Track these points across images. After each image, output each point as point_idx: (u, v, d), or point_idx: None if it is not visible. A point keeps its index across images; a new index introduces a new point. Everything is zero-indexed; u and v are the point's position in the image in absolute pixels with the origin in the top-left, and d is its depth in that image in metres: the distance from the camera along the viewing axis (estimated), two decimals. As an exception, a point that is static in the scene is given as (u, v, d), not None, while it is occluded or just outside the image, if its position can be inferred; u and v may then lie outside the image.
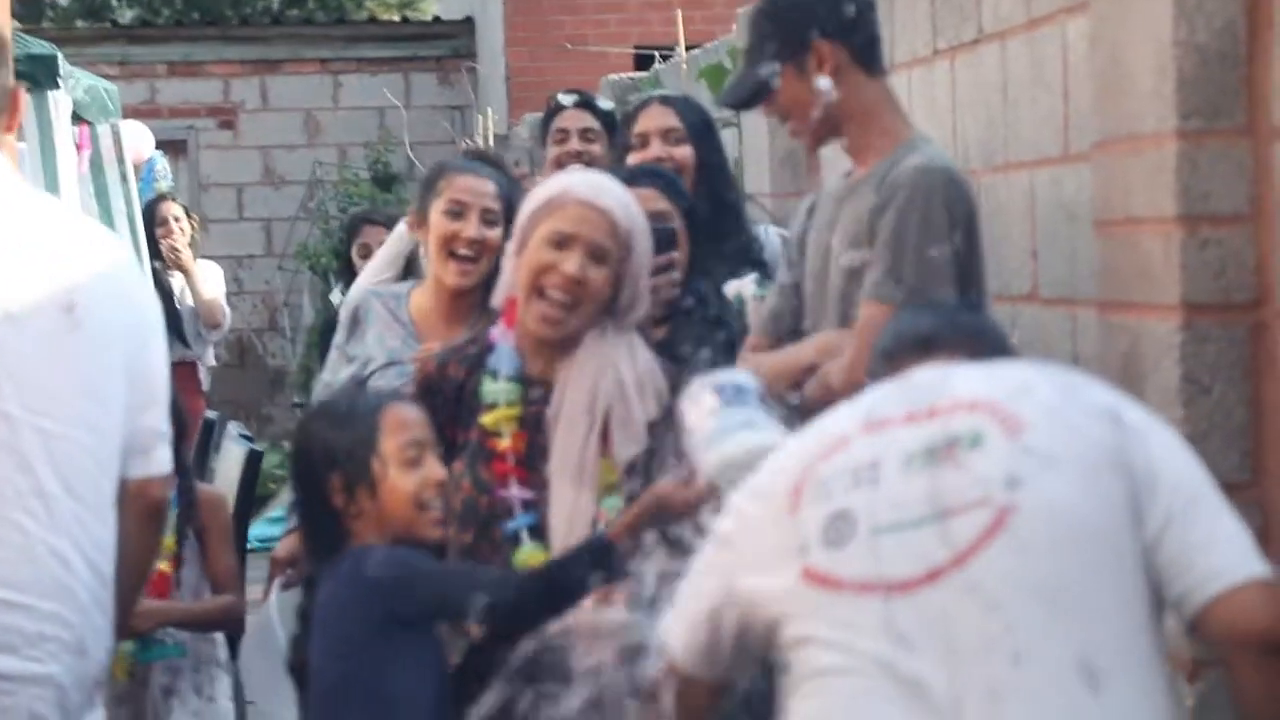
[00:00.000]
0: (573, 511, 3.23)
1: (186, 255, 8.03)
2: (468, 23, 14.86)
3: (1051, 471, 2.20)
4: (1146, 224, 2.92)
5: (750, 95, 3.37)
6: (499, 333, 3.37)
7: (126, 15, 17.68)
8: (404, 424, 3.13)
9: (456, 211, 4.04)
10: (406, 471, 3.09)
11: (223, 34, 14.34)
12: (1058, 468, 2.20)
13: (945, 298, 3.14)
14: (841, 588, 2.18)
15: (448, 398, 3.35)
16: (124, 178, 6.71)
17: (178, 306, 8.05)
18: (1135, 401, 2.94)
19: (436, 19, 15.81)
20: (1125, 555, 2.18)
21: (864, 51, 3.32)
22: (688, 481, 2.95)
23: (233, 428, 5.96)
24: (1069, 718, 2.09)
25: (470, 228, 4.03)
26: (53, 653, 2.89)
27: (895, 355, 2.54)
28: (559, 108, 5.17)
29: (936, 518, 2.18)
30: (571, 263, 3.22)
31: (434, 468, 3.12)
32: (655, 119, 4.21)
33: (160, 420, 3.04)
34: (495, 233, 4.01)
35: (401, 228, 4.99)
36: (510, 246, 3.38)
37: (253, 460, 5.04)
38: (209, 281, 8.18)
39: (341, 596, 3.05)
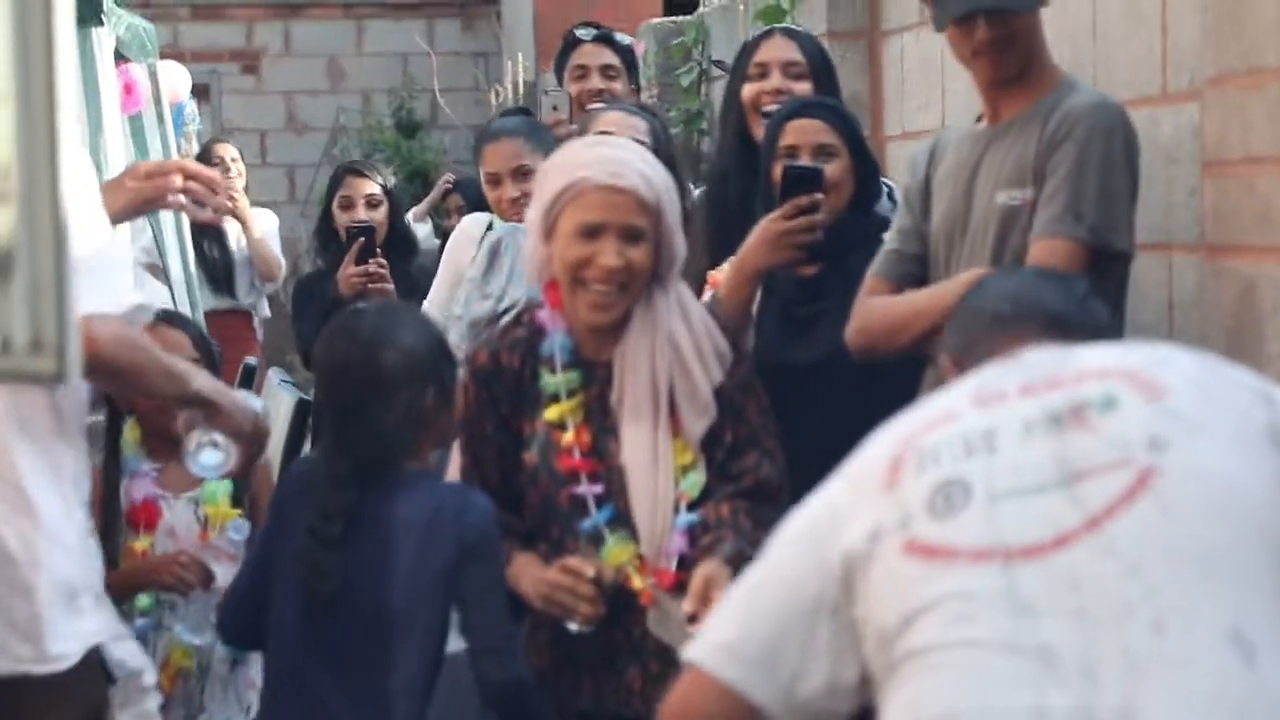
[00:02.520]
0: (654, 502, 3.14)
1: (244, 203, 7.81)
2: (492, -32, 14.70)
3: (1201, 437, 2.00)
4: (1267, 163, 2.80)
5: (1032, 1, 3.16)
6: (547, 316, 3.25)
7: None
8: None
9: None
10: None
11: (245, -22, 14.18)
12: (1208, 434, 2.00)
13: (1124, 241, 3.06)
14: (954, 557, 1.97)
15: (508, 388, 3.24)
16: (160, 118, 6.60)
17: (232, 254, 7.86)
18: (1252, 349, 2.83)
19: (460, -36, 15.64)
20: (1277, 538, 1.98)
21: None
22: None
23: (274, 374, 5.83)
24: (1221, 688, 1.87)
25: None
26: None
27: (1011, 322, 2.33)
28: (576, 42, 5.05)
29: (1064, 482, 1.98)
30: (608, 254, 3.11)
31: None
32: (778, 50, 4.06)
33: None
34: None
35: (472, 222, 4.86)
36: (534, 222, 3.23)
37: (302, 409, 4.92)
38: (265, 231, 7.98)
39: (452, 526, 3.07)
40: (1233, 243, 2.93)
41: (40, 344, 1.53)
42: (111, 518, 3.75)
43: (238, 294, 7.89)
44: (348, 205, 5.57)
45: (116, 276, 2.95)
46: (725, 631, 2.11)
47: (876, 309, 3.30)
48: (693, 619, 2.94)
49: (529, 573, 3.16)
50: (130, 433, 3.84)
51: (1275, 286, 2.78)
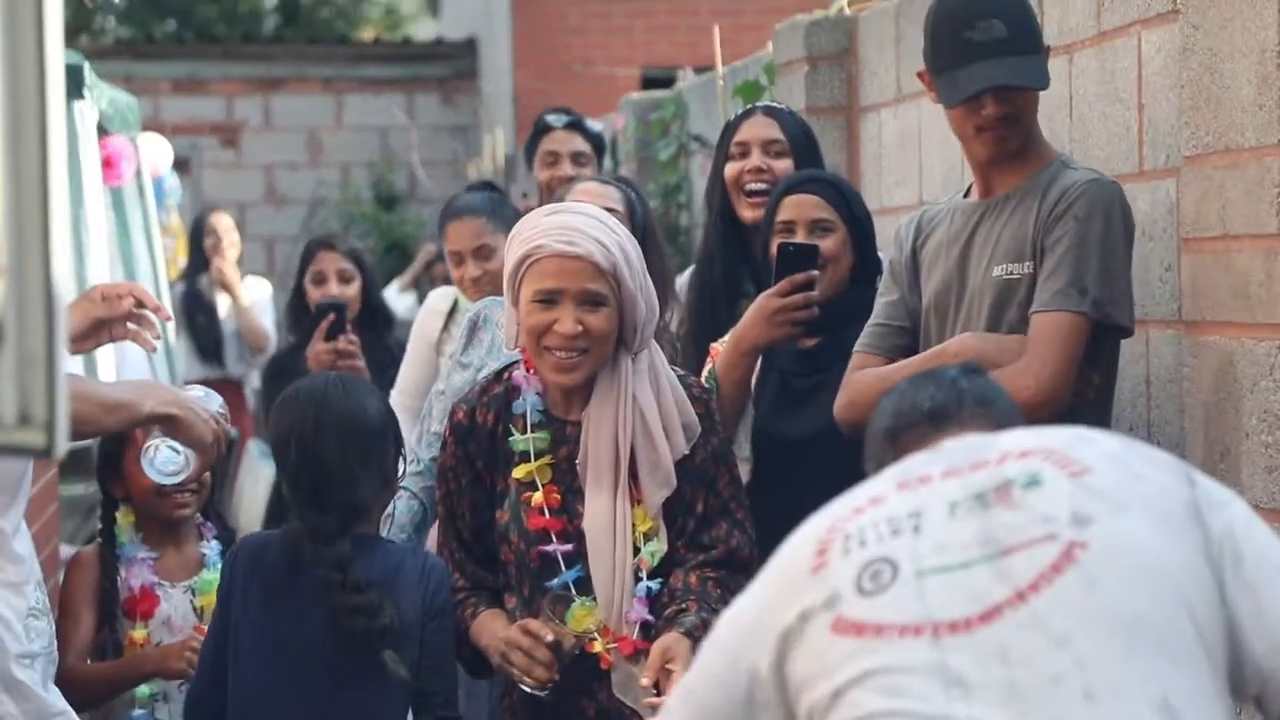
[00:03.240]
0: (611, 569, 3.18)
1: (232, 274, 7.76)
2: (470, 44, 14.80)
3: (1123, 513, 2.04)
4: (1244, 240, 2.83)
5: (1042, 77, 3.22)
6: (522, 375, 3.30)
7: (113, 33, 17.59)
8: None
9: None
10: None
11: (226, 51, 14.26)
12: (1129, 511, 2.05)
13: (1125, 316, 3.12)
14: (882, 633, 2.00)
15: (482, 445, 3.30)
16: (141, 191, 6.60)
17: (220, 325, 7.79)
18: (1231, 423, 2.85)
19: (439, 40, 15.74)
20: (1201, 616, 2.01)
21: None
22: None
23: (254, 446, 5.81)
24: None
25: None
26: None
27: (902, 432, 2.35)
28: (547, 128, 5.07)
29: (990, 557, 2.02)
30: (565, 320, 3.16)
31: None
32: (758, 129, 4.11)
33: None
34: None
35: (438, 297, 4.85)
36: (505, 290, 3.30)
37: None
38: (255, 302, 7.91)
39: (418, 586, 3.20)
40: (1210, 318, 2.95)
41: (29, 418, 1.52)
42: (110, 605, 3.71)
43: (226, 364, 7.82)
44: (319, 280, 5.43)
45: None
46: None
47: (868, 380, 3.31)
48: (653, 688, 2.98)
49: (490, 629, 3.21)
50: (124, 518, 3.78)
51: (1252, 362, 2.80)
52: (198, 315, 7.76)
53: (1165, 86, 3.40)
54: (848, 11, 5.43)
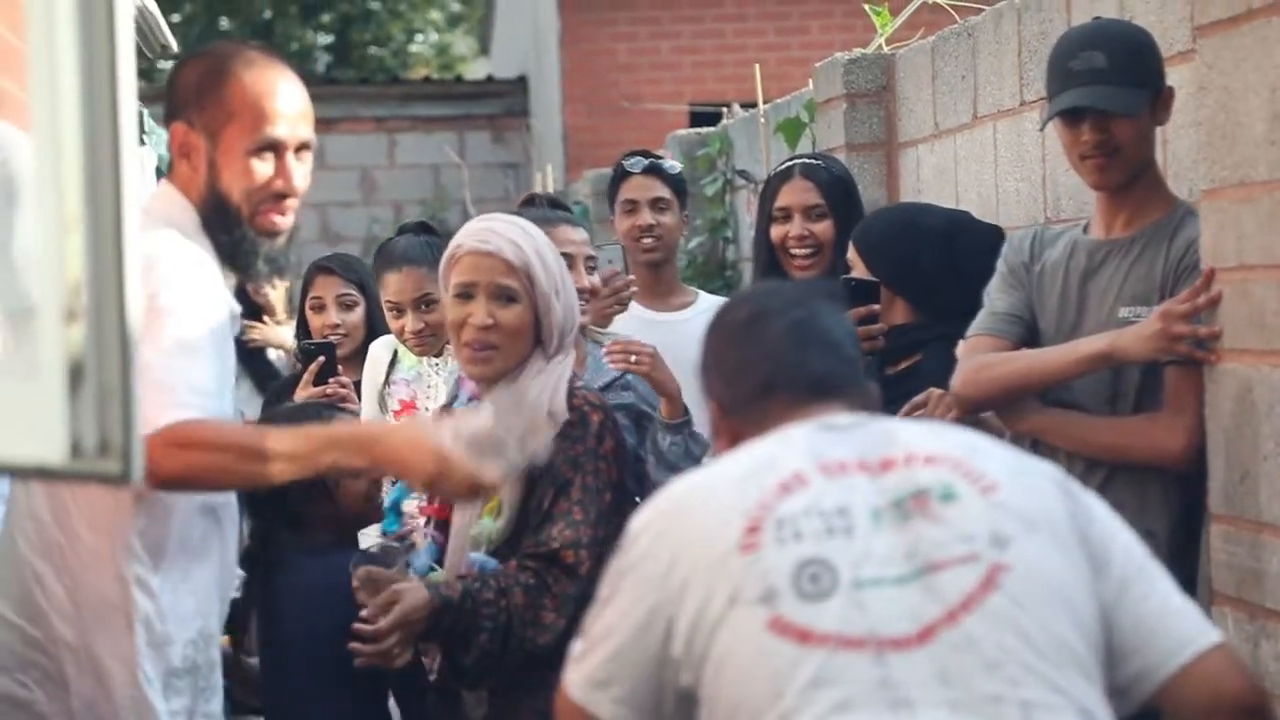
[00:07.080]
0: (458, 538, 3.42)
1: (276, 338, 7.67)
2: (521, 81, 14.98)
3: (1033, 535, 2.15)
4: (1259, 270, 2.93)
5: (1132, 106, 3.31)
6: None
7: (165, 76, 17.73)
8: None
9: None
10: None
11: (280, 93, 14.44)
12: (1036, 530, 2.16)
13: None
14: (827, 642, 2.06)
15: None
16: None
17: (271, 361, 7.77)
18: (1249, 447, 2.95)
19: (490, 78, 15.92)
20: (1094, 631, 2.15)
21: None
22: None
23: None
24: None
25: None
26: (37, 680, 2.88)
27: (779, 390, 2.36)
28: (625, 174, 4.89)
29: (919, 574, 2.11)
30: (478, 312, 3.37)
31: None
32: (797, 194, 4.26)
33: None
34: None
35: (379, 346, 4.77)
36: (442, 292, 3.56)
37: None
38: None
39: (337, 588, 3.37)
40: (1229, 346, 3.05)
41: (108, 447, 1.65)
42: None
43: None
44: (319, 308, 5.12)
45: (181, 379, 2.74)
46: (596, 671, 2.22)
47: (996, 361, 3.40)
48: (364, 620, 3.21)
49: None
50: None
51: (1270, 388, 2.90)
52: (255, 354, 7.76)
53: (1186, 123, 3.51)
54: (885, 49, 5.56)
